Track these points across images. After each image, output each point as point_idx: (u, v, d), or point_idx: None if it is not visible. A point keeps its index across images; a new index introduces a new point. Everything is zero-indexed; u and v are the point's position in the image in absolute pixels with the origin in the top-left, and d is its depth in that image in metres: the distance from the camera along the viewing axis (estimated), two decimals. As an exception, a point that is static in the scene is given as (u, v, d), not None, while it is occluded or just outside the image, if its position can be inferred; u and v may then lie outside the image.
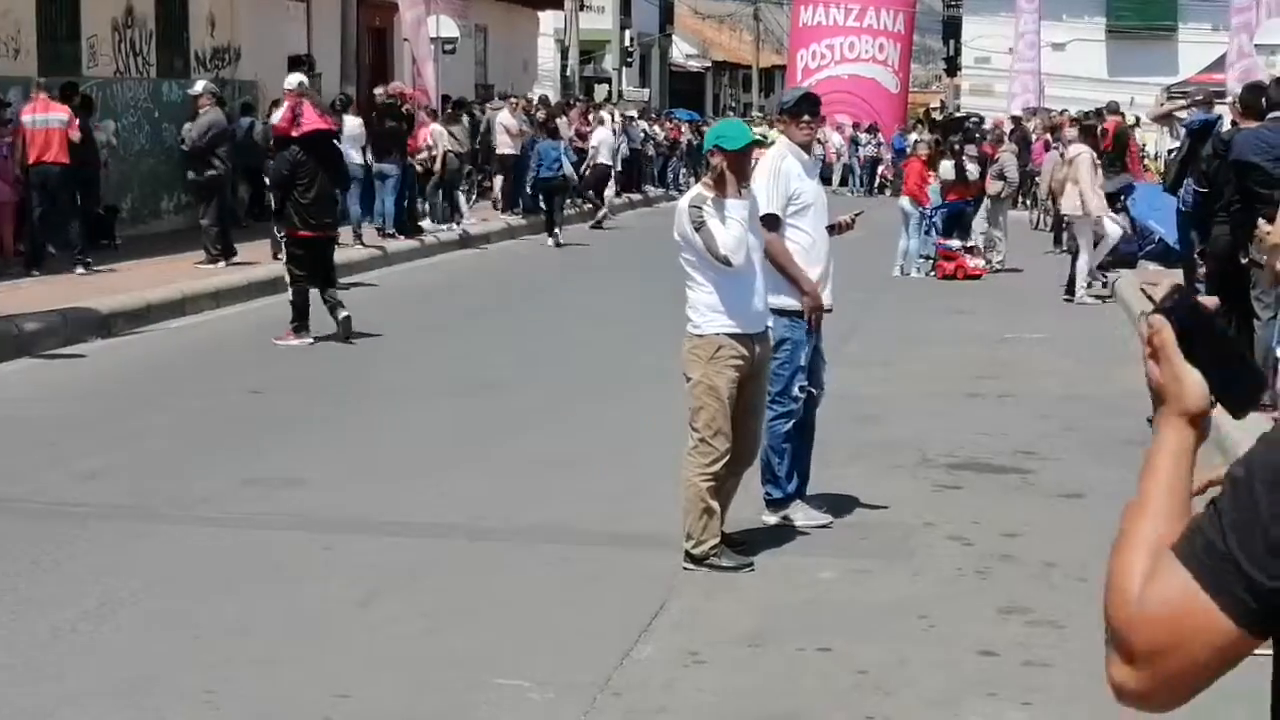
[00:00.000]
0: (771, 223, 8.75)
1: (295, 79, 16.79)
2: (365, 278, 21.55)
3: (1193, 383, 2.25)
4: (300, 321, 15.59)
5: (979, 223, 24.32)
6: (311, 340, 15.48)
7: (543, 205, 28.10)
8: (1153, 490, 2.27)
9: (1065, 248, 23.56)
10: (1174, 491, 2.25)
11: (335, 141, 16.89)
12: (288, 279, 15.81)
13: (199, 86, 21.09)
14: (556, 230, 27.54)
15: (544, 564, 8.38)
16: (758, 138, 8.90)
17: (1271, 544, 2.02)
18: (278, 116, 16.05)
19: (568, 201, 29.53)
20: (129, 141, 23.82)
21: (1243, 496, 2.08)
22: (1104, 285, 21.44)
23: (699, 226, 8.09)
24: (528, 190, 29.08)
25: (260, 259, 20.28)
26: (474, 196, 29.42)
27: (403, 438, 11.46)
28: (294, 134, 15.68)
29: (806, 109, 9.12)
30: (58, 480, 10.03)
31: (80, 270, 18.77)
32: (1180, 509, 2.21)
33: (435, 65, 26.78)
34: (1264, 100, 12.20)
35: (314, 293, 15.57)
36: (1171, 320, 2.24)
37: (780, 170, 8.85)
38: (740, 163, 8.25)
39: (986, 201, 24.22)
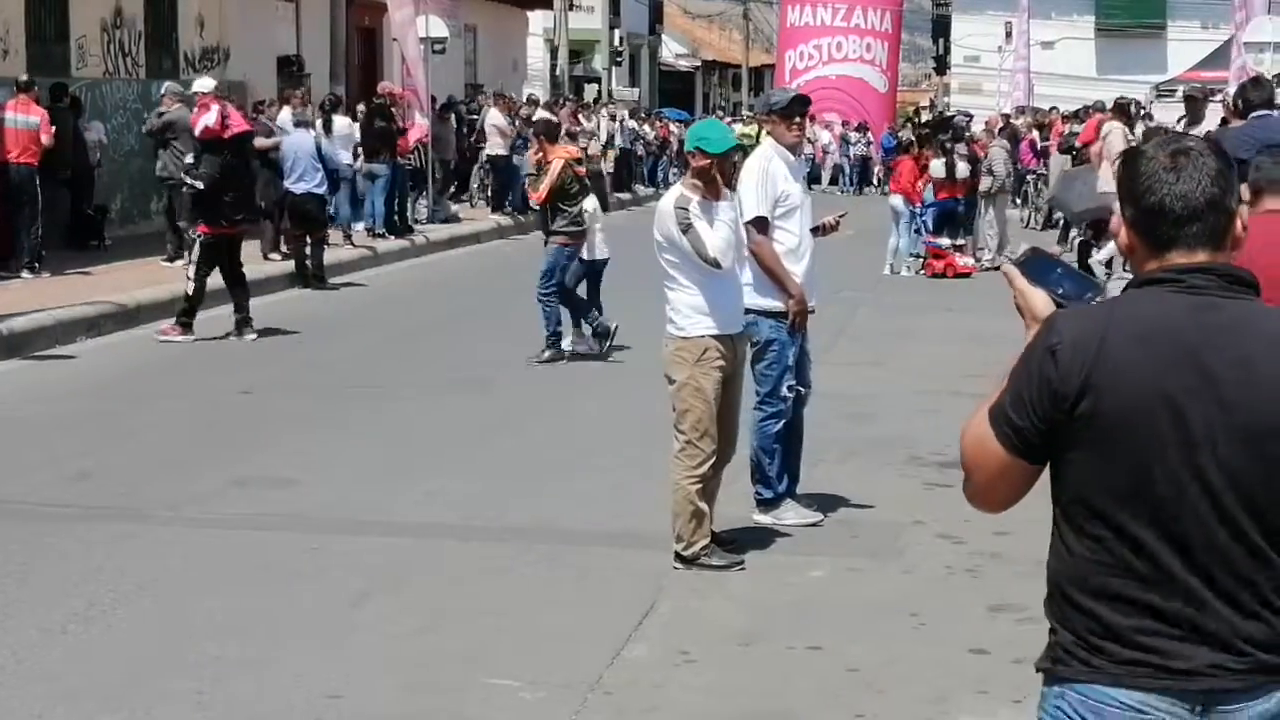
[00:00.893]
0: (761, 225, 8.74)
1: (210, 82, 16.72)
2: (355, 278, 21.55)
3: (1037, 298, 3.44)
4: (190, 319, 15.70)
5: (985, 223, 24.35)
6: (194, 338, 15.58)
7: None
8: (1007, 370, 3.34)
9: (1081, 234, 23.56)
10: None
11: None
12: (192, 274, 15.69)
13: (165, 86, 21.02)
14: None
15: (535, 564, 8.38)
16: (741, 141, 8.90)
17: (1015, 399, 3.29)
18: (210, 119, 15.91)
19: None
20: (118, 142, 23.78)
21: (1019, 366, 3.31)
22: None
23: (686, 229, 8.09)
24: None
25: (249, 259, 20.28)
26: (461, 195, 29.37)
27: (392, 438, 11.46)
28: (225, 136, 15.75)
29: (799, 110, 9.11)
30: (48, 481, 10.02)
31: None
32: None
33: (425, 65, 26.76)
34: (1240, 101, 12.24)
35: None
36: (1019, 266, 3.48)
37: (768, 172, 8.82)
38: (724, 165, 8.29)
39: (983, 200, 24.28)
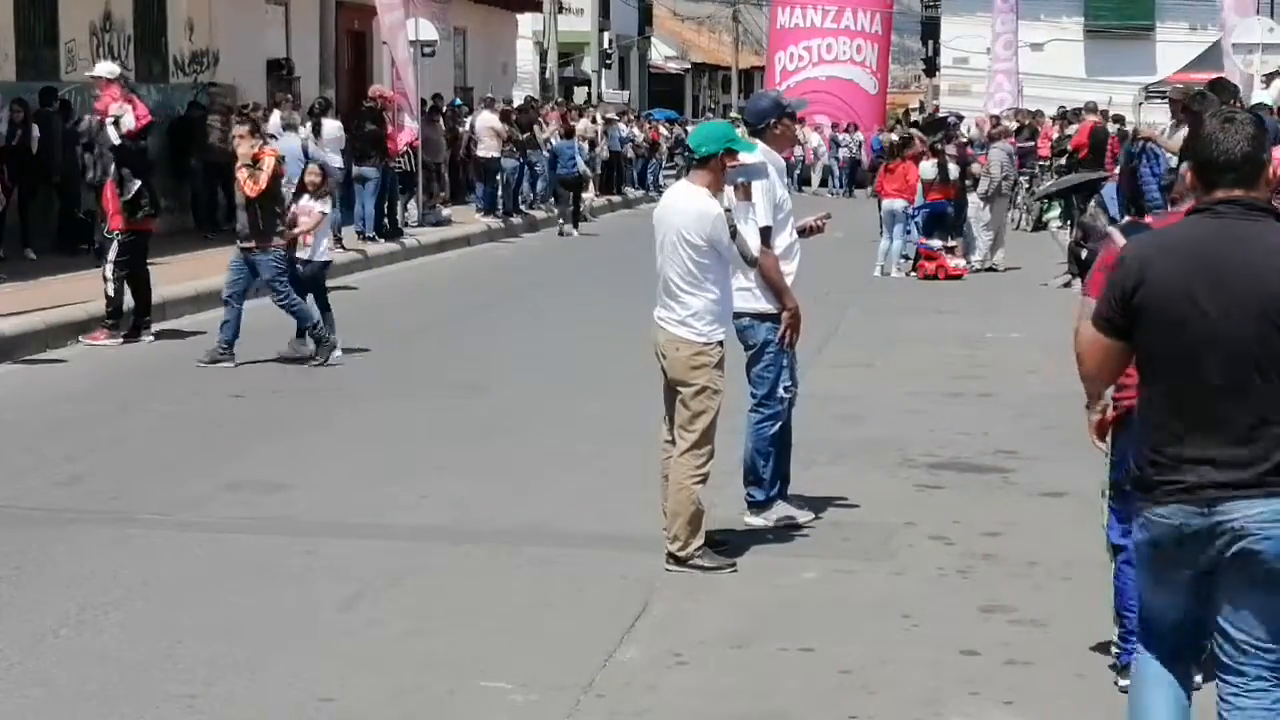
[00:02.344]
0: (766, 234, 8.75)
1: (113, 68, 16.41)
2: (345, 281, 21.52)
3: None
4: (119, 319, 15.70)
5: (980, 225, 24.37)
6: (121, 340, 15.59)
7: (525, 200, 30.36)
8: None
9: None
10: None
11: None
12: (112, 273, 15.55)
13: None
14: (574, 221, 30.15)
15: (526, 566, 8.38)
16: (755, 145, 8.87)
17: (1103, 299, 4.92)
18: (129, 121, 15.77)
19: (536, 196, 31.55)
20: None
21: (1113, 272, 4.92)
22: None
23: (734, 233, 8.15)
24: (530, 189, 31.27)
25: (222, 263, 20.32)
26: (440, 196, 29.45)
27: (384, 441, 11.46)
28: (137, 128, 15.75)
29: (789, 113, 9.14)
30: (39, 485, 10.01)
31: None
32: None
33: (414, 68, 26.77)
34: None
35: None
36: (1120, 230, 5.75)
37: (769, 179, 8.83)
38: (759, 168, 8.38)
39: (978, 202, 24.29)
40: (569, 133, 31.56)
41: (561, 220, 30.39)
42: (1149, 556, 4.87)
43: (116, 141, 15.67)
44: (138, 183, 15.44)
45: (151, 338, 15.88)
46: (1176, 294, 4.70)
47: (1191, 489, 4.69)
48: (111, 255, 15.56)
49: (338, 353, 14.73)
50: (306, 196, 15.04)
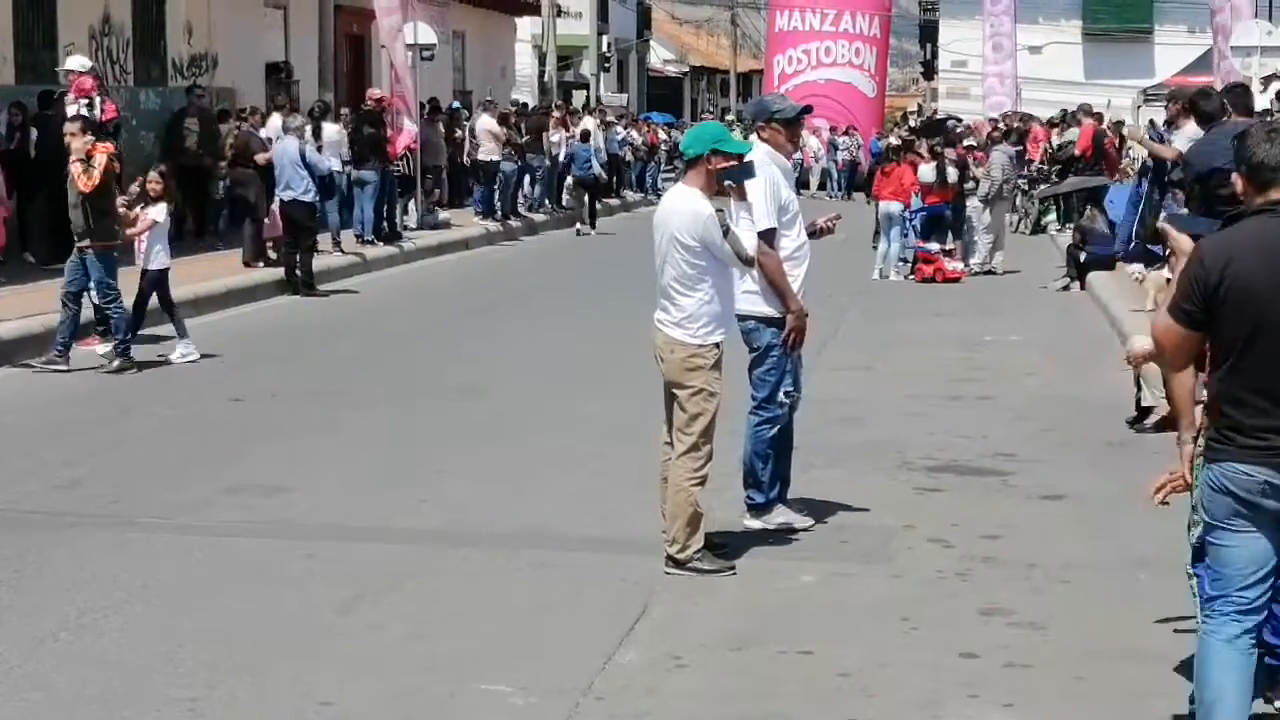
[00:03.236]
0: (770, 237, 8.74)
1: (86, 61, 16.21)
2: (344, 284, 21.55)
3: (1184, 239, 6.23)
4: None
5: (981, 227, 24.39)
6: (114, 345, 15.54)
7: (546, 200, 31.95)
8: (1181, 278, 5.53)
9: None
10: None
11: None
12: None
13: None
14: (591, 221, 31.27)
15: (525, 569, 8.39)
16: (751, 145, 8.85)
17: (1183, 294, 5.45)
18: (97, 111, 15.71)
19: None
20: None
21: (1182, 276, 5.51)
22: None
23: (726, 231, 8.11)
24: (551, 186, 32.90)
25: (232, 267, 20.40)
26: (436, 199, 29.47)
27: (383, 444, 11.47)
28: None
29: (801, 120, 9.16)
30: (38, 488, 10.02)
31: None
32: None
33: (413, 72, 26.79)
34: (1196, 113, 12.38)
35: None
36: (1171, 223, 6.60)
37: (772, 180, 8.81)
38: (746, 167, 8.30)
39: (978, 205, 24.30)
40: (585, 136, 32.53)
41: (578, 220, 31.36)
42: (1228, 508, 5.46)
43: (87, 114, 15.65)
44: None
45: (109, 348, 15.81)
46: (1258, 286, 5.32)
47: (1271, 451, 5.37)
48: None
49: (188, 355, 14.86)
50: (143, 205, 15.03)
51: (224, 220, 24.40)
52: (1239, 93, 12.48)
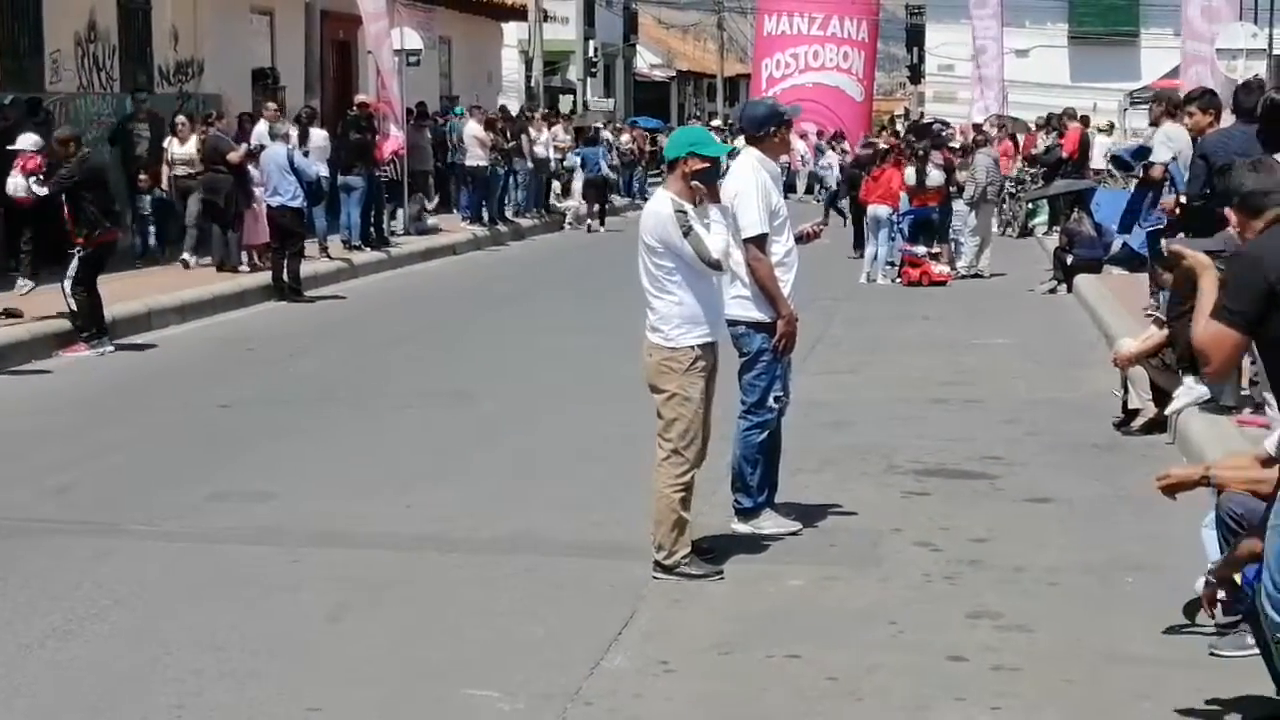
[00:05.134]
0: (761, 242, 8.74)
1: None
2: (332, 290, 21.56)
3: (1199, 255, 5.96)
4: (101, 326, 15.84)
5: (968, 230, 24.41)
6: (102, 350, 15.66)
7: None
8: (1208, 290, 5.74)
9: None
10: (1213, 290, 5.71)
11: None
12: (73, 288, 15.66)
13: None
14: (601, 218, 33.37)
15: (513, 574, 8.38)
16: (732, 147, 8.87)
17: (1234, 297, 5.57)
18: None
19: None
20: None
21: (1230, 280, 5.63)
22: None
23: (687, 232, 8.06)
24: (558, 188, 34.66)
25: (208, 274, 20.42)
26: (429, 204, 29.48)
27: (370, 450, 11.46)
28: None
29: (786, 121, 9.15)
30: (25, 496, 10.00)
31: None
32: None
33: (400, 77, 26.79)
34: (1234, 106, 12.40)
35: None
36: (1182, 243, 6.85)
37: (762, 186, 8.81)
38: (716, 170, 8.28)
39: (964, 208, 24.34)
40: (593, 140, 35.21)
41: (589, 218, 33.30)
42: None
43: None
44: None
45: (112, 348, 15.82)
46: None
47: None
48: (70, 271, 15.65)
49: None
50: None
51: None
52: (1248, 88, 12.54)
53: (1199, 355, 5.87)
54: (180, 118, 23.10)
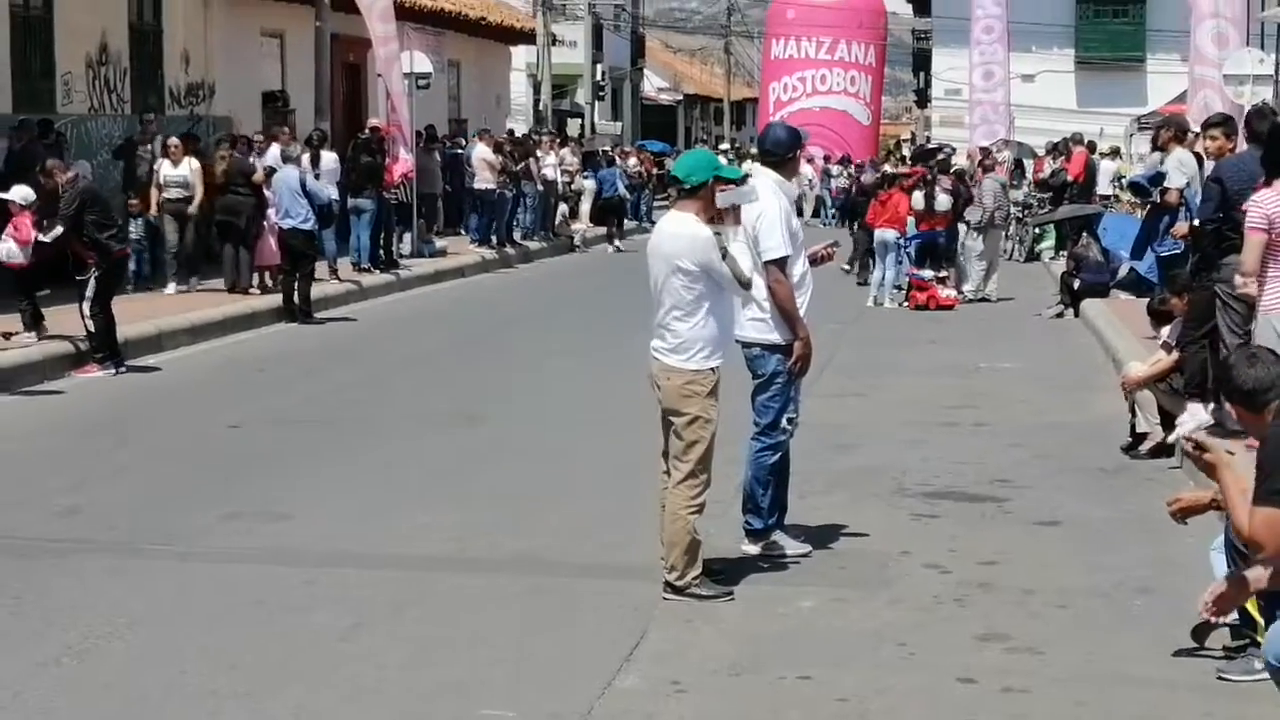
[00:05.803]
0: (784, 264, 8.79)
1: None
2: (341, 312, 21.61)
3: (1218, 449, 6.01)
4: (113, 347, 15.92)
5: (974, 255, 24.46)
6: (114, 371, 15.73)
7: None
8: (1230, 482, 5.77)
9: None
10: (1239, 480, 5.72)
11: None
12: (91, 309, 15.75)
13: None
14: (617, 241, 34.52)
15: (525, 595, 8.41)
16: (742, 172, 8.94)
17: (1274, 473, 5.46)
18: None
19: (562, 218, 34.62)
20: (103, 179, 23.60)
21: (1272, 452, 5.57)
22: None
23: (724, 253, 8.16)
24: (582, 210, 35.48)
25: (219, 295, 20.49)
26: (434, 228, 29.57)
27: (382, 471, 11.50)
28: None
29: (803, 144, 9.26)
30: (39, 516, 10.04)
31: None
32: (1243, 486, 5.72)
33: (409, 100, 26.89)
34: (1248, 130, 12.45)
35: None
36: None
37: (785, 209, 8.89)
38: (747, 190, 8.41)
39: (972, 232, 24.40)
40: (610, 161, 37.05)
41: (612, 237, 34.64)
42: None
43: (57, 234, 15.85)
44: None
45: (124, 369, 15.89)
46: None
47: None
48: (88, 292, 15.71)
49: None
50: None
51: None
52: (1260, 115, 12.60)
53: (1252, 545, 5.73)
54: (173, 139, 22.11)
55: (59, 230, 15.67)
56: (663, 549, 8.33)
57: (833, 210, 45.11)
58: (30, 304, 16.29)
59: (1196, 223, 13.16)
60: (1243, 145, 13.08)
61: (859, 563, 9.04)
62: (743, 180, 8.57)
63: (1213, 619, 6.43)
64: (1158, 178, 17.87)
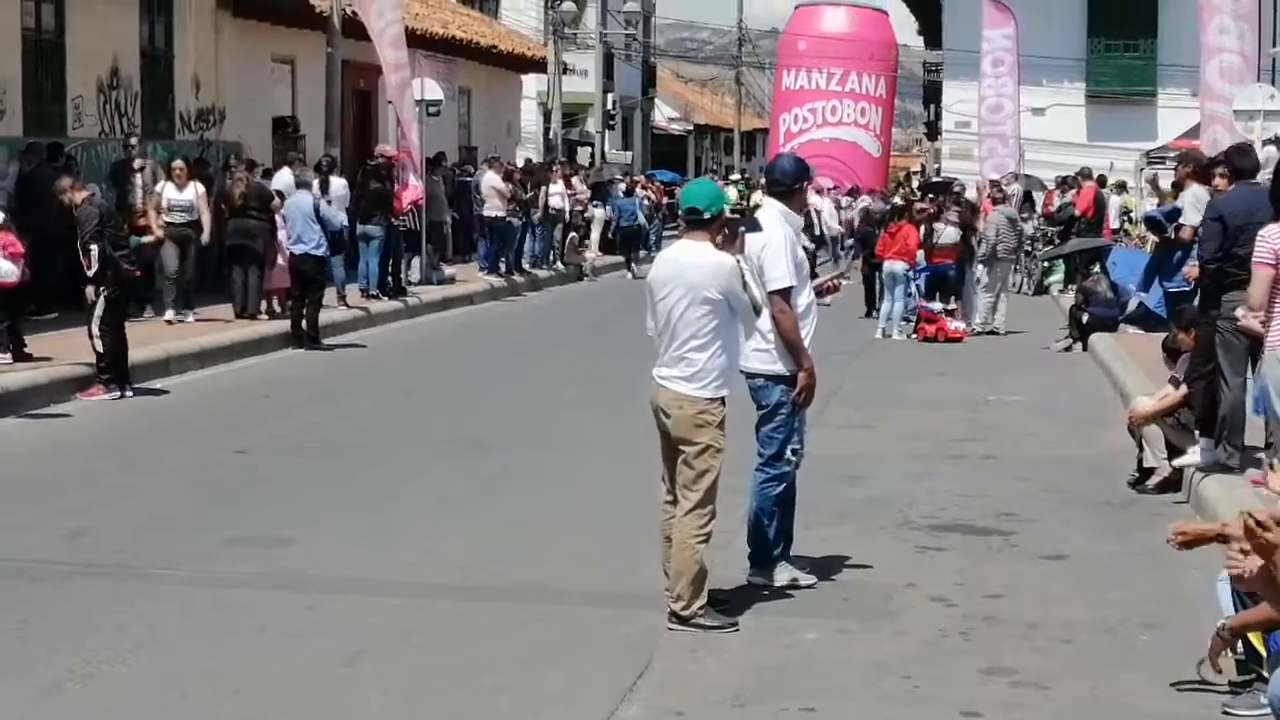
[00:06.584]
0: (789, 295, 8.80)
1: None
2: (349, 338, 21.62)
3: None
4: (122, 370, 15.94)
5: (981, 288, 24.46)
6: (118, 394, 15.74)
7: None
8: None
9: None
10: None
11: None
12: (100, 330, 15.71)
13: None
14: (634, 267, 34.75)
15: (529, 623, 8.40)
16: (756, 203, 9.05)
17: None
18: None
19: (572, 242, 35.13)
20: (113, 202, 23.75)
21: None
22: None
23: (745, 284, 8.19)
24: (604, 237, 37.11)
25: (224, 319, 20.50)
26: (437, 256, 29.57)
27: (388, 498, 11.49)
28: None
29: (809, 175, 9.32)
30: (43, 539, 10.04)
31: None
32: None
33: (420, 127, 26.95)
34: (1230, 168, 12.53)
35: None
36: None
37: (790, 239, 8.90)
38: (754, 220, 8.46)
39: (978, 265, 24.42)
40: (629, 190, 37.94)
41: (626, 265, 35.64)
42: None
43: (94, 251, 15.76)
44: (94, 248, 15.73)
45: (131, 393, 15.89)
46: None
47: None
48: (98, 313, 15.70)
49: None
50: None
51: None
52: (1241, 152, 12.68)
53: None
54: (177, 162, 21.89)
55: (95, 249, 15.66)
56: (666, 578, 8.32)
57: (850, 242, 45.10)
58: (10, 324, 16.30)
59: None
60: None
61: (864, 594, 9.03)
62: (751, 212, 8.64)
63: (1214, 657, 6.42)
64: (1174, 213, 17.93)
